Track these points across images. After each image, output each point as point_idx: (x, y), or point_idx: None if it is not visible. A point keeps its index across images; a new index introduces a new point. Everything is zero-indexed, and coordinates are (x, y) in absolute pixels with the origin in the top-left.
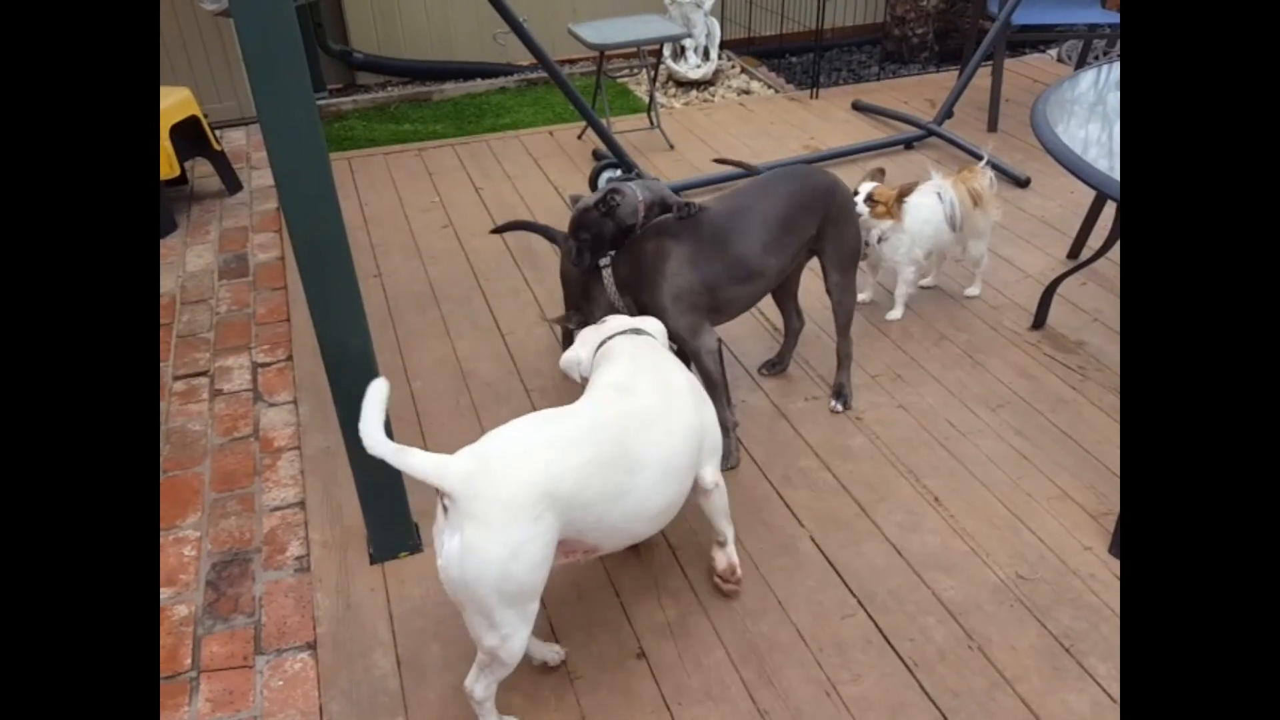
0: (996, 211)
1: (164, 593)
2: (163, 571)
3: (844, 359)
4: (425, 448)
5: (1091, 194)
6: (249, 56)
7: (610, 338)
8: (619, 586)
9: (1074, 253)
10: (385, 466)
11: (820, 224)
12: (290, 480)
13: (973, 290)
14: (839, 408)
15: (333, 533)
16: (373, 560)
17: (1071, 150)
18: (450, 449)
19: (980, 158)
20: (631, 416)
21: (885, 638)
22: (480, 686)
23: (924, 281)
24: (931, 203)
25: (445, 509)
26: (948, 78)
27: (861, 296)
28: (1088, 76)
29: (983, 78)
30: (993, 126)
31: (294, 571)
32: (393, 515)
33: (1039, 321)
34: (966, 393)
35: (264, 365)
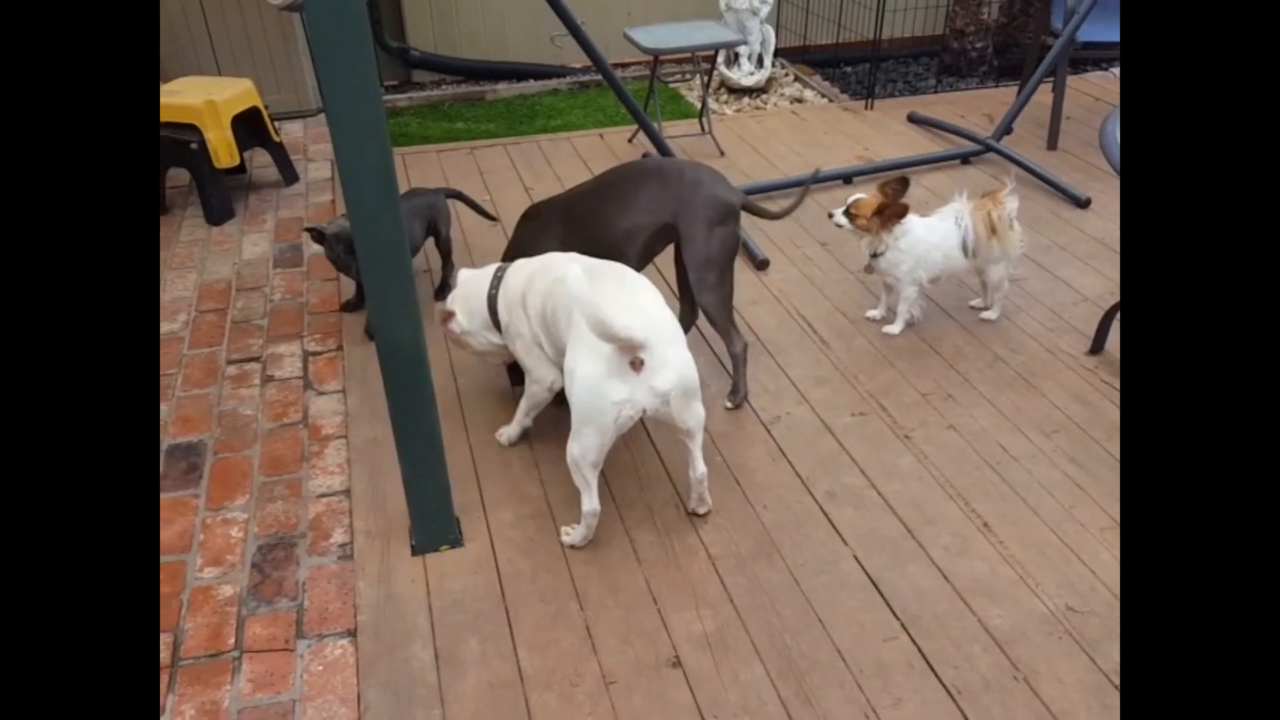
0: (1019, 240)
1: (210, 572)
2: (210, 551)
3: (734, 359)
4: (470, 444)
5: None
6: (319, 52)
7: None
8: (657, 594)
9: None
10: (432, 460)
11: (674, 218)
12: (337, 468)
13: (990, 315)
14: (729, 404)
15: (376, 522)
16: (414, 552)
17: None
18: (492, 445)
19: (1045, 179)
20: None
21: (928, 663)
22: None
23: (974, 303)
24: (946, 227)
25: (641, 360)
26: (1006, 93)
27: (871, 313)
28: None
29: (1043, 94)
30: (1053, 145)
31: (337, 558)
32: (436, 509)
33: (1097, 346)
34: (1020, 416)
35: (315, 354)
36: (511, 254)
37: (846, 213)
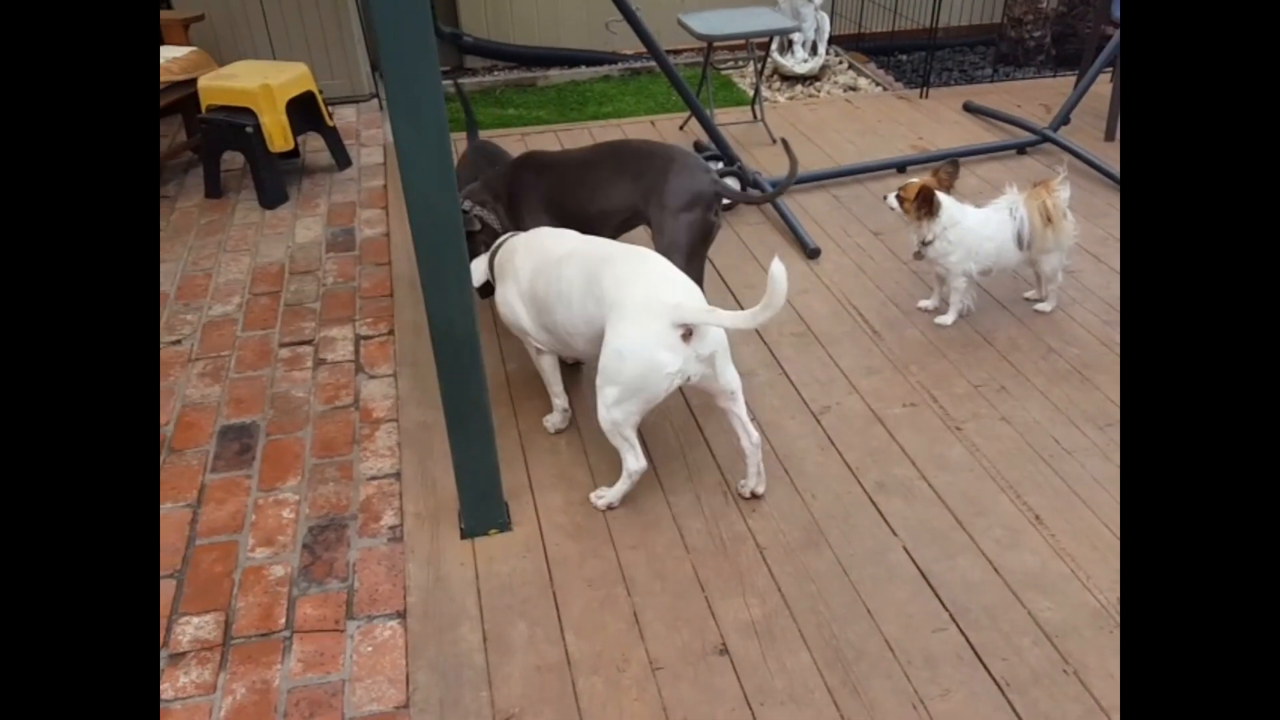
0: (1073, 228)
1: (262, 552)
2: (262, 532)
3: None
4: (519, 429)
5: None
6: (382, 35)
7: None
8: (704, 581)
9: None
10: (482, 444)
11: (644, 204)
12: (387, 451)
13: (1045, 306)
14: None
15: (426, 505)
16: (463, 535)
17: None
18: (541, 430)
19: (1103, 170)
20: None
21: (977, 655)
22: (754, 428)
23: (1029, 294)
24: (1000, 219)
25: (690, 330)
26: (1064, 83)
27: (923, 303)
28: None
29: (1101, 84)
30: (1110, 135)
31: (387, 540)
32: (486, 493)
33: None
34: (1074, 409)
35: (366, 338)
36: (494, 190)
37: (898, 196)
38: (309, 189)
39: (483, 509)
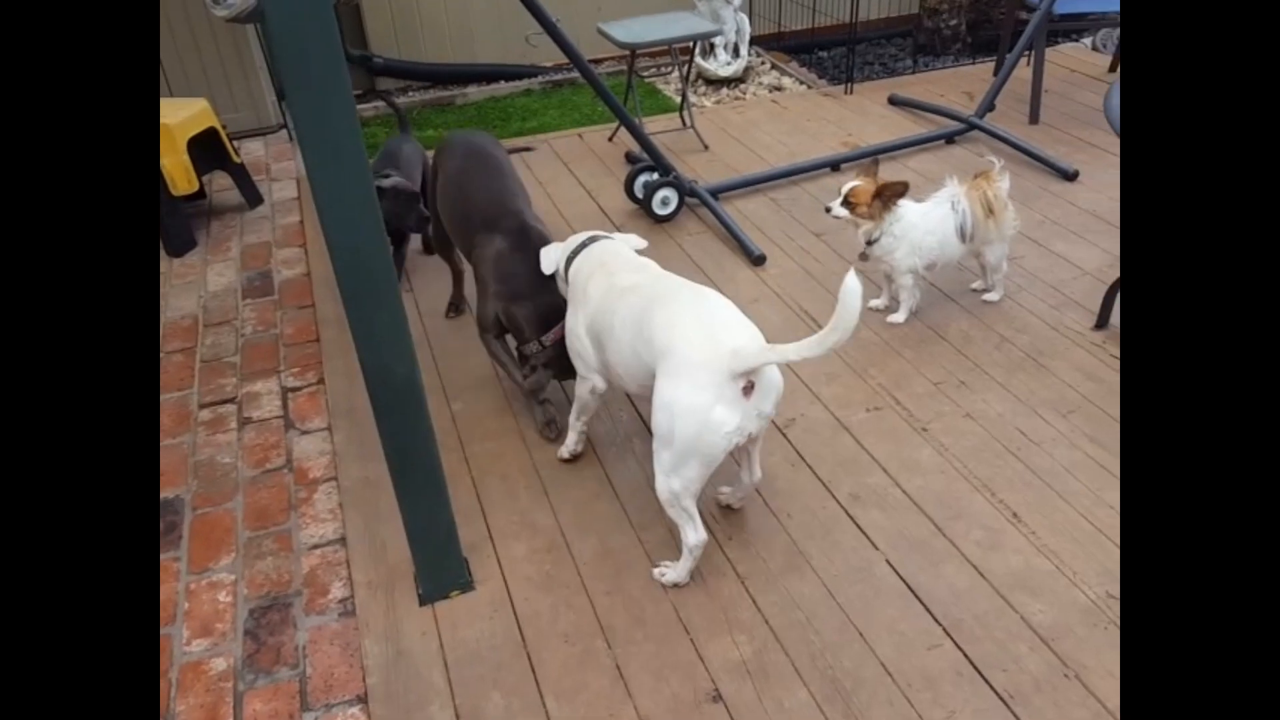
0: (1014, 220)
1: (200, 644)
2: (198, 620)
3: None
4: (471, 475)
5: None
6: (285, 66)
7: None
8: (687, 622)
9: None
10: (434, 500)
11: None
12: (329, 514)
13: (992, 296)
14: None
15: (377, 571)
16: (422, 601)
17: None
18: (498, 475)
19: (1032, 153)
20: None
21: (976, 669)
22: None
23: (975, 285)
24: (942, 213)
25: (752, 384)
26: (983, 70)
27: (874, 303)
28: None
29: (1020, 69)
30: (1034, 119)
31: (338, 615)
32: (443, 552)
33: (1102, 321)
34: (1035, 398)
35: (294, 390)
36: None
37: (845, 202)
38: (218, 232)
39: (441, 570)
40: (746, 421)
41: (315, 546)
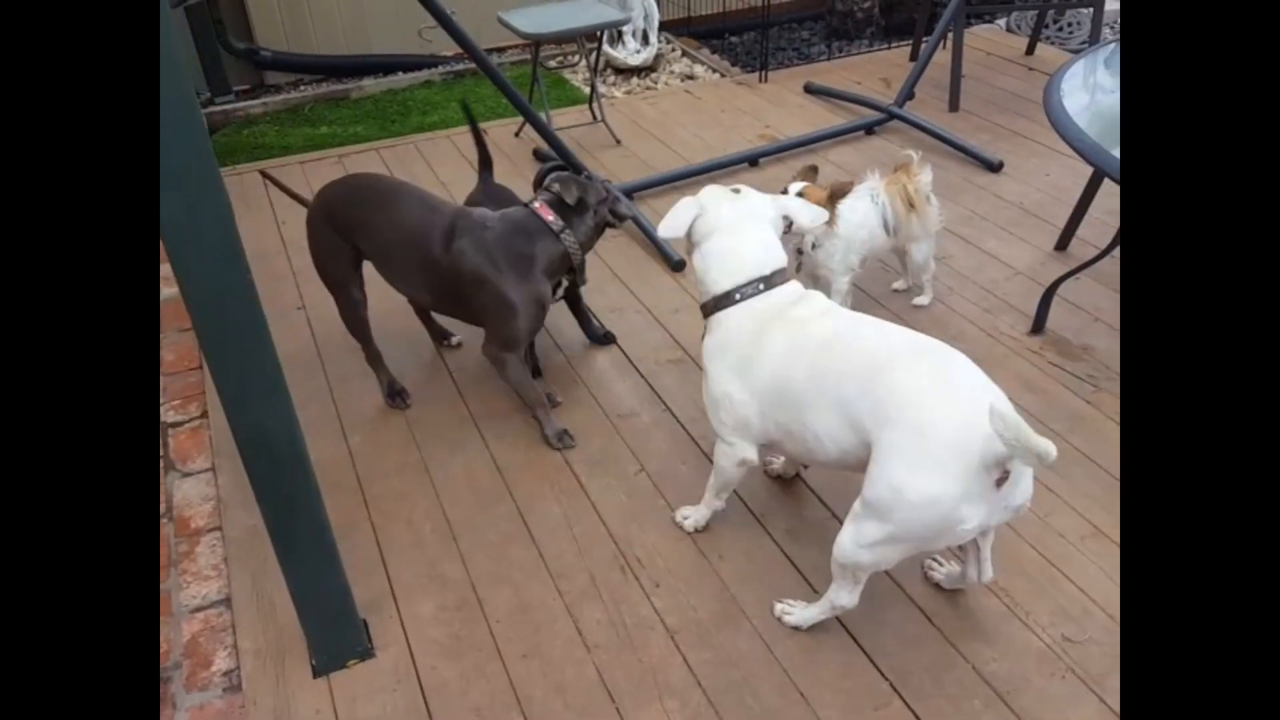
0: (939, 215)
1: None
2: None
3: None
4: (371, 520)
5: (1077, 179)
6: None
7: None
8: (613, 688)
9: (1062, 244)
10: (323, 566)
11: None
12: (212, 571)
13: (922, 300)
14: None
15: (266, 638)
16: (316, 673)
17: (1100, 147)
18: (402, 519)
19: (955, 143)
20: None
21: None
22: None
23: (896, 285)
24: (865, 206)
25: (1008, 473)
26: (898, 54)
27: None
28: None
29: (938, 55)
30: (954, 106)
31: (222, 691)
32: (336, 619)
33: (1038, 325)
34: None
35: (175, 425)
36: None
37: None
38: None
39: (335, 638)
40: (992, 517)
41: (198, 609)
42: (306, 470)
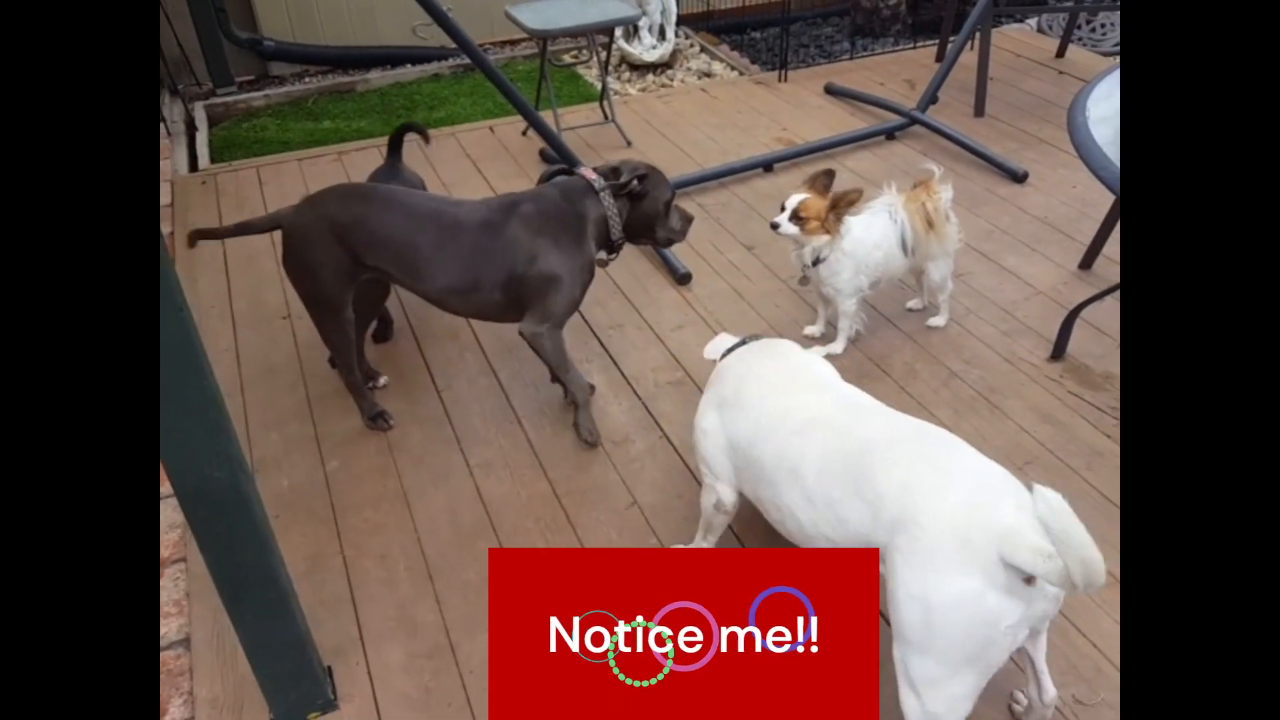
0: (958, 234)
1: None
2: None
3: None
4: (343, 553)
5: (1104, 194)
6: None
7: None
8: None
9: (1087, 262)
10: (276, 620)
11: None
12: (173, 608)
13: (938, 321)
14: None
15: (225, 684)
16: None
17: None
18: (375, 553)
19: (978, 152)
20: None
21: None
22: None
23: (911, 304)
24: (882, 224)
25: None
26: (924, 54)
27: (810, 330)
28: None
29: (965, 55)
30: (980, 111)
31: None
32: (295, 672)
33: (1058, 351)
34: (987, 446)
35: None
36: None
37: (794, 218)
38: None
39: (293, 690)
40: (1033, 607)
41: None
42: (251, 518)
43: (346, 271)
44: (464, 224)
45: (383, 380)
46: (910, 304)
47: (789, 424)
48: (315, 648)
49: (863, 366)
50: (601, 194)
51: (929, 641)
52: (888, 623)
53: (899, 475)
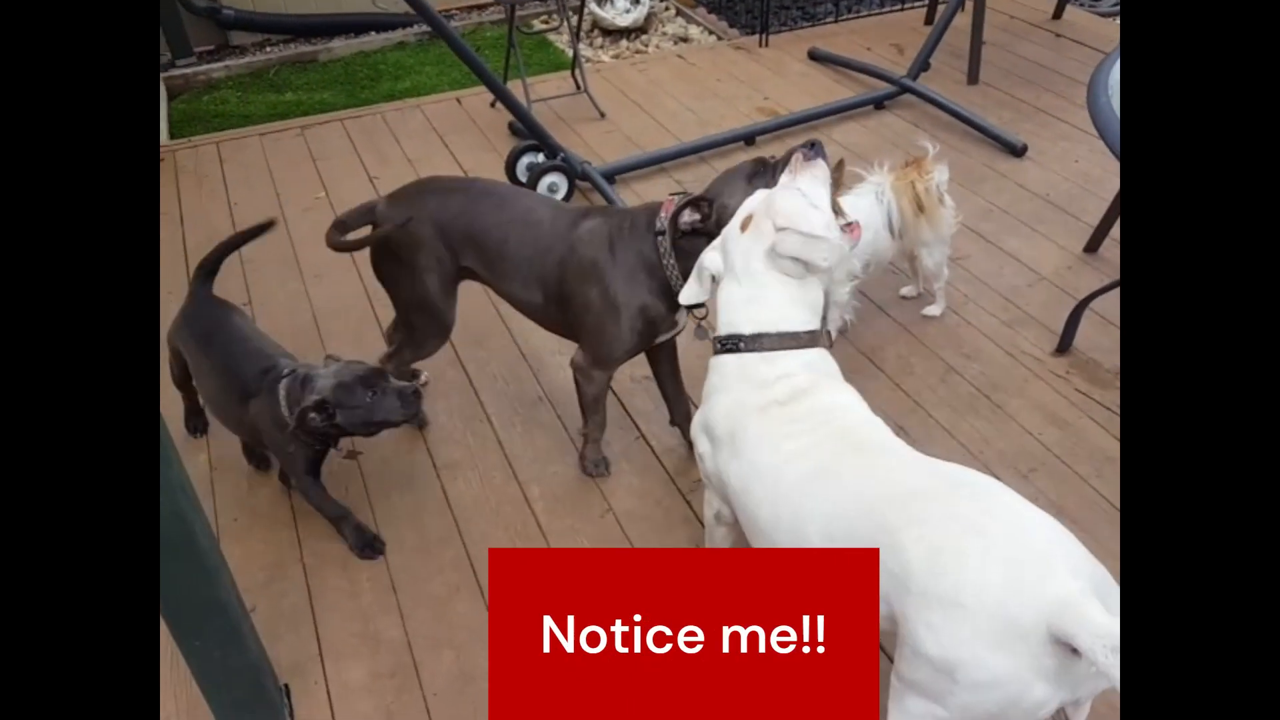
0: (953, 218)
1: None
2: None
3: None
4: (303, 561)
5: (1109, 169)
6: None
7: None
8: None
9: (1093, 245)
10: (230, 648)
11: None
12: None
13: (933, 310)
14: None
15: (180, 704)
16: None
17: None
18: (338, 562)
19: (973, 122)
20: None
21: None
22: None
23: (905, 291)
24: (868, 204)
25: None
26: (913, 16)
27: None
28: None
29: (958, 18)
30: (973, 78)
31: None
32: (248, 699)
33: (1065, 344)
34: (988, 450)
35: None
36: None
37: None
38: None
39: (248, 712)
40: (1063, 686)
41: None
42: (196, 550)
43: (451, 274)
44: (547, 223)
45: (424, 377)
46: (904, 291)
47: (788, 478)
48: (272, 670)
49: (854, 360)
50: (659, 238)
51: (943, 704)
52: (889, 659)
53: (928, 539)
